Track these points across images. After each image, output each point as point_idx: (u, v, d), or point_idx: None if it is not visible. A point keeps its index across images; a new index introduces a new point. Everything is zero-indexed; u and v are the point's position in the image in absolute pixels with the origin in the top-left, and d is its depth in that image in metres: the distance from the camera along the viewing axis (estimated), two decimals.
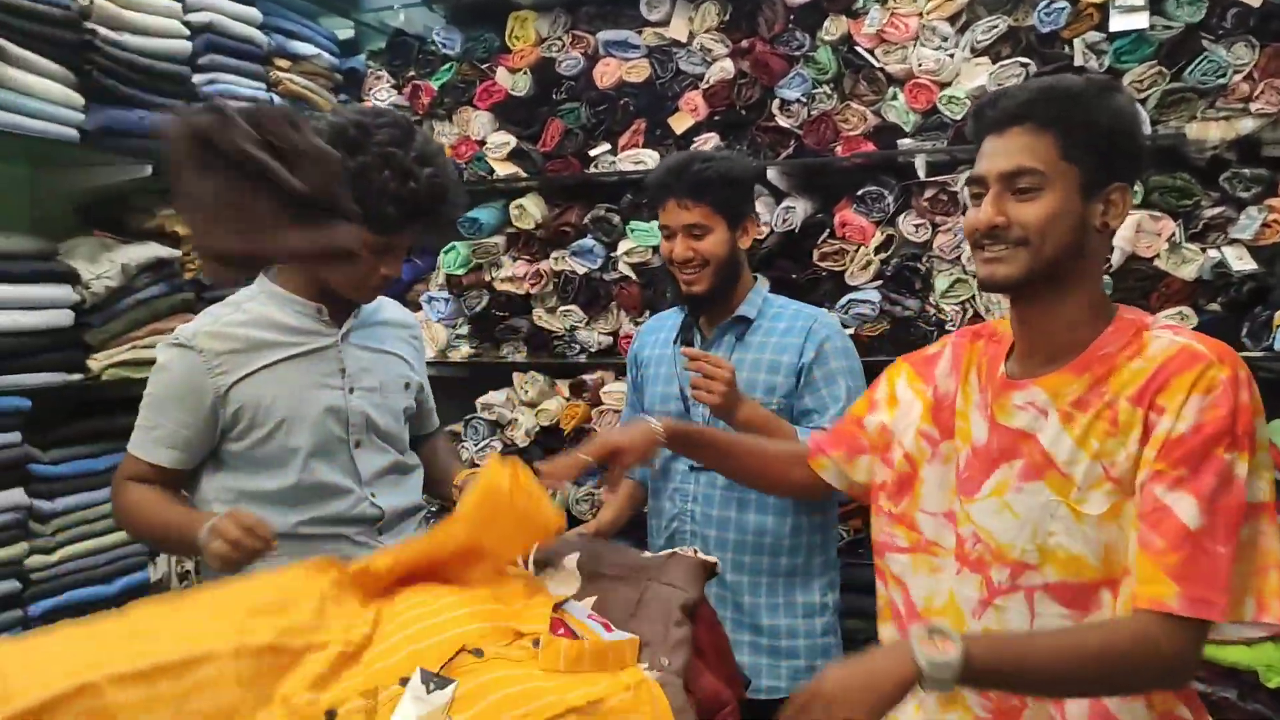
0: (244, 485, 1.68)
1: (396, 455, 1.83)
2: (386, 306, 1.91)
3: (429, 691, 1.13)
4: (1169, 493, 1.13)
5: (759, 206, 2.77)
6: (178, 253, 2.51)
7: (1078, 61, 2.49)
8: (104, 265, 2.31)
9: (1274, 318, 2.32)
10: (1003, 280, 1.23)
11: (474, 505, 1.31)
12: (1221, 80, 2.38)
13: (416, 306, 3.19)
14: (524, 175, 3.09)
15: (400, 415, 1.84)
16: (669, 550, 1.47)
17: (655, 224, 2.86)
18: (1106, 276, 2.48)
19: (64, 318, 2.24)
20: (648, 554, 1.47)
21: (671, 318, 2.19)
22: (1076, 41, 2.50)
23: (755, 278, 2.11)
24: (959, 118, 2.62)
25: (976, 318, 2.63)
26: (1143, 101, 2.45)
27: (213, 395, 1.64)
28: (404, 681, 1.17)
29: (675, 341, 2.14)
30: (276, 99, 2.83)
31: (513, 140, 3.07)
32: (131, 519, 1.68)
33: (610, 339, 3.03)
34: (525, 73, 3.07)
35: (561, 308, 3.05)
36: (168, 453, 1.65)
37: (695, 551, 1.41)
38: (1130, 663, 1.11)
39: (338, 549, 1.63)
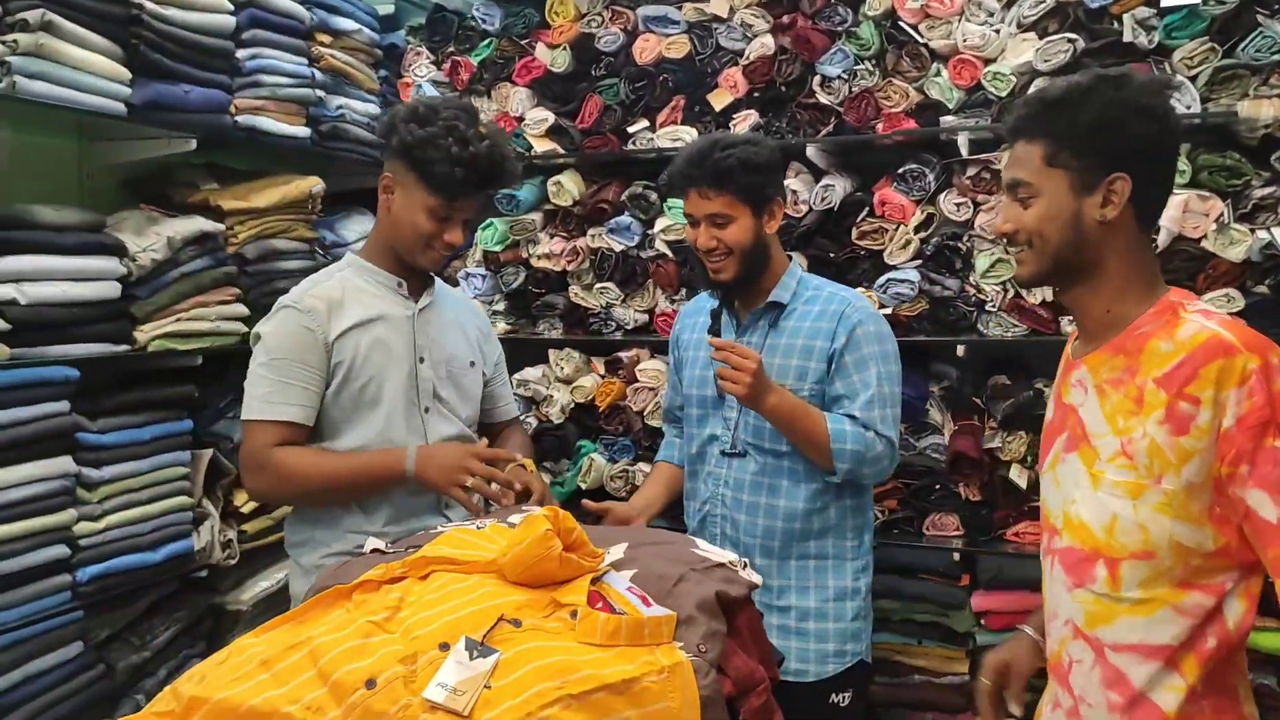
0: (326, 445, 1.83)
1: (463, 427, 1.97)
2: (455, 296, 2.10)
3: (472, 659, 1.14)
4: (1242, 491, 1.19)
5: (798, 184, 2.76)
6: (221, 226, 2.54)
7: (1126, 37, 2.43)
8: (150, 238, 2.35)
9: None
10: (1022, 278, 1.38)
11: (514, 561, 1.27)
12: (1275, 56, 2.32)
13: (454, 283, 3.21)
14: (562, 152, 3.09)
15: (466, 393, 1.99)
16: (717, 561, 1.42)
17: None
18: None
19: (111, 290, 2.28)
20: (698, 549, 1.45)
21: (709, 301, 2.18)
22: (1126, 17, 2.44)
23: (790, 257, 2.09)
24: (1004, 94, 2.57)
25: (1017, 298, 2.60)
26: (1193, 78, 2.39)
27: (323, 346, 1.80)
28: (444, 647, 1.18)
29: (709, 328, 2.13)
30: (318, 74, 2.84)
31: (551, 117, 3.07)
32: (307, 478, 1.77)
33: (646, 316, 3.03)
34: (564, 48, 3.07)
35: (598, 285, 3.05)
36: (297, 409, 1.78)
37: (744, 565, 1.40)
38: None
39: (403, 524, 1.83)
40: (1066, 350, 1.45)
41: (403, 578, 1.31)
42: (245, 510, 2.57)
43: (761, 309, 2.04)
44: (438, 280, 2.03)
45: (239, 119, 2.61)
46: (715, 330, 2.00)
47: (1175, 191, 2.42)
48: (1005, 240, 1.37)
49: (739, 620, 1.39)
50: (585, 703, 1.13)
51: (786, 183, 2.76)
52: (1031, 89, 2.55)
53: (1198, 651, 1.24)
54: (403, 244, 1.86)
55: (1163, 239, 2.41)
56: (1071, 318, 2.56)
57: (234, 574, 2.59)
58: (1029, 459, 2.64)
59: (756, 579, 1.41)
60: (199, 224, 2.47)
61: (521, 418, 3.11)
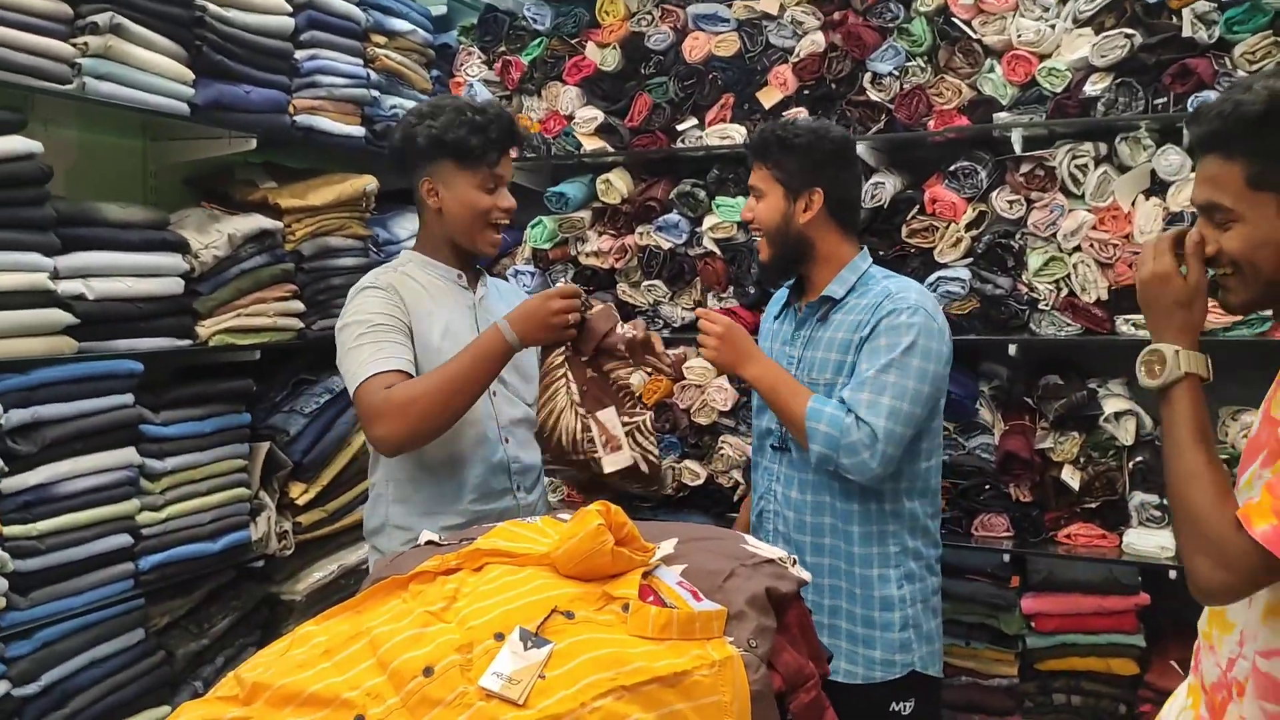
0: None
1: (527, 409, 2.00)
2: (510, 287, 2.17)
3: (526, 649, 1.16)
4: None
5: None
6: (279, 224, 2.58)
7: (1186, 32, 2.39)
8: (212, 235, 2.40)
9: None
10: (1233, 306, 1.25)
11: (567, 555, 1.28)
12: None
13: (504, 280, 3.24)
14: (611, 150, 3.10)
15: (527, 374, 2.01)
16: (766, 558, 1.40)
17: (741, 200, 2.86)
18: None
19: (175, 285, 2.34)
20: (747, 545, 1.45)
21: (785, 292, 2.15)
22: (1185, 11, 2.40)
23: (862, 249, 2.02)
24: (1059, 90, 2.54)
25: (1071, 296, 2.57)
26: (1253, 73, 2.34)
27: (406, 322, 1.86)
28: (499, 636, 1.20)
29: (776, 318, 2.12)
30: (373, 74, 2.89)
31: (600, 115, 3.09)
32: (426, 393, 1.74)
33: (693, 315, 3.04)
34: (614, 47, 3.08)
35: (646, 282, 3.06)
36: (401, 360, 1.80)
37: (794, 562, 1.39)
38: None
39: (484, 502, 1.90)
40: None
41: (458, 569, 1.33)
42: (300, 502, 2.61)
43: (815, 303, 1.98)
44: (486, 274, 2.08)
45: (297, 119, 2.65)
46: (703, 302, 1.96)
47: None
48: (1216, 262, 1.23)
49: (789, 616, 1.39)
50: (637, 694, 1.14)
51: None
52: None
53: None
54: (463, 232, 1.93)
55: None
56: (1129, 318, 2.52)
57: (289, 564, 2.64)
58: (1081, 460, 2.61)
59: (806, 575, 1.40)
60: (258, 222, 2.52)
61: None
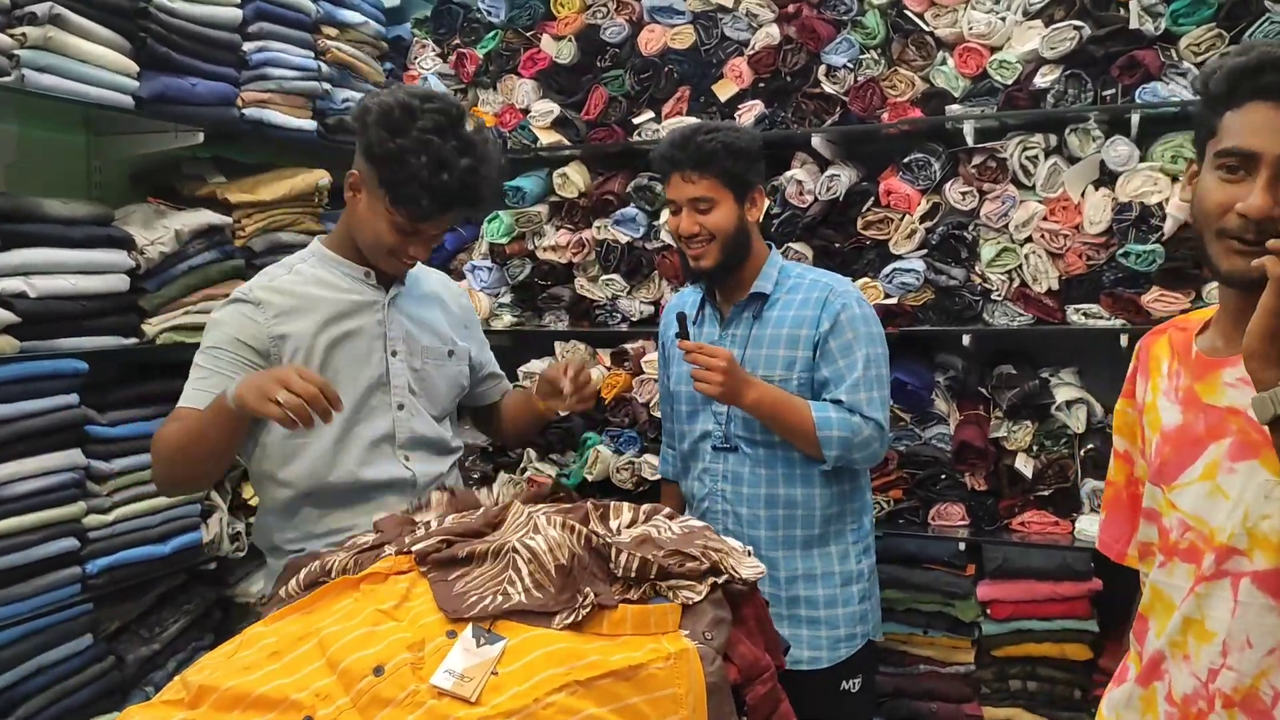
0: (286, 443, 1.70)
1: (438, 428, 1.84)
2: (433, 277, 1.95)
3: (479, 645, 1.15)
4: None
5: (803, 175, 2.76)
6: (228, 220, 2.54)
7: (1133, 24, 2.43)
8: (158, 231, 2.35)
9: None
10: (1253, 281, 1.04)
11: None
12: None
13: (460, 275, 3.22)
14: (567, 144, 3.08)
15: (446, 384, 1.86)
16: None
17: None
18: (1158, 245, 2.43)
19: (120, 283, 2.29)
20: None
21: (692, 295, 2.17)
22: (1132, 3, 2.44)
23: (770, 246, 2.08)
24: (1009, 82, 2.57)
25: (1023, 287, 2.60)
26: (1199, 66, 2.38)
27: (267, 341, 1.68)
28: (451, 634, 1.19)
29: (693, 321, 2.11)
30: (324, 67, 2.84)
31: (556, 108, 3.07)
32: (166, 444, 1.63)
33: (651, 308, 3.03)
34: (570, 40, 3.07)
35: (603, 276, 3.05)
36: (208, 396, 1.62)
37: (749, 553, 1.40)
38: None
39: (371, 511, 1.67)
40: (1162, 344, 1.30)
41: (410, 570, 1.31)
42: (253, 503, 2.57)
43: (745, 301, 2.03)
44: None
45: (246, 112, 2.61)
46: (684, 333, 1.95)
47: (1177, 179, 2.43)
48: (1243, 222, 1.09)
49: (745, 609, 1.39)
50: (592, 689, 1.13)
51: (792, 173, 2.77)
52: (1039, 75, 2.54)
53: None
54: (365, 248, 1.74)
55: (1169, 227, 2.41)
56: (1079, 307, 2.55)
57: (242, 566, 2.60)
58: (1034, 448, 2.64)
59: (761, 568, 1.41)
60: (206, 217, 2.48)
61: None
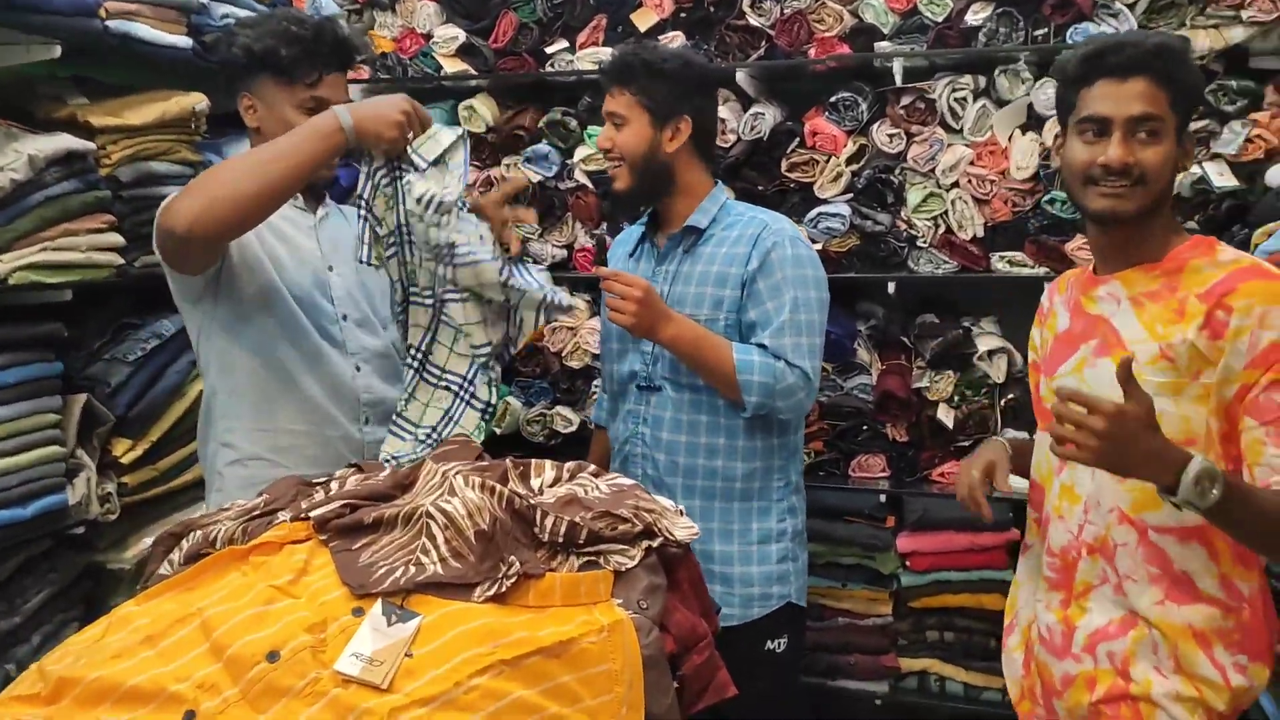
0: (241, 327, 1.72)
1: (386, 341, 1.87)
2: (352, 215, 1.92)
3: (390, 624, 1.02)
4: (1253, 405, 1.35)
5: (725, 112, 2.63)
6: (91, 146, 2.27)
7: None
8: (9, 156, 2.08)
9: (1251, 237, 2.26)
10: (1123, 214, 1.41)
11: None
12: None
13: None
14: (474, 73, 2.90)
15: (380, 293, 1.85)
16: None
17: None
18: None
19: None
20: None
21: (638, 229, 2.07)
22: None
23: (717, 182, 1.99)
24: (940, 19, 2.49)
25: (948, 234, 2.54)
26: (1131, 6, 2.35)
27: None
28: (357, 612, 1.05)
29: (630, 256, 2.04)
30: None
31: (462, 35, 2.88)
32: (237, 161, 1.61)
33: (565, 252, 2.89)
34: None
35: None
36: None
37: (681, 512, 1.30)
38: None
39: (325, 444, 1.76)
40: (1074, 273, 1.62)
41: (308, 539, 1.16)
42: (125, 461, 2.35)
43: (678, 235, 1.95)
44: (329, 198, 1.94)
45: (110, 24, 2.32)
46: (603, 261, 1.89)
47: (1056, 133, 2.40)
48: (1101, 171, 1.40)
49: (679, 573, 1.30)
50: (519, 669, 1.03)
51: None
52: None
53: (1217, 532, 1.39)
54: None
55: None
56: (1004, 255, 2.51)
57: (114, 530, 2.39)
58: (955, 398, 2.61)
59: (695, 528, 1.31)
60: (65, 142, 2.20)
61: None
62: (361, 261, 1.66)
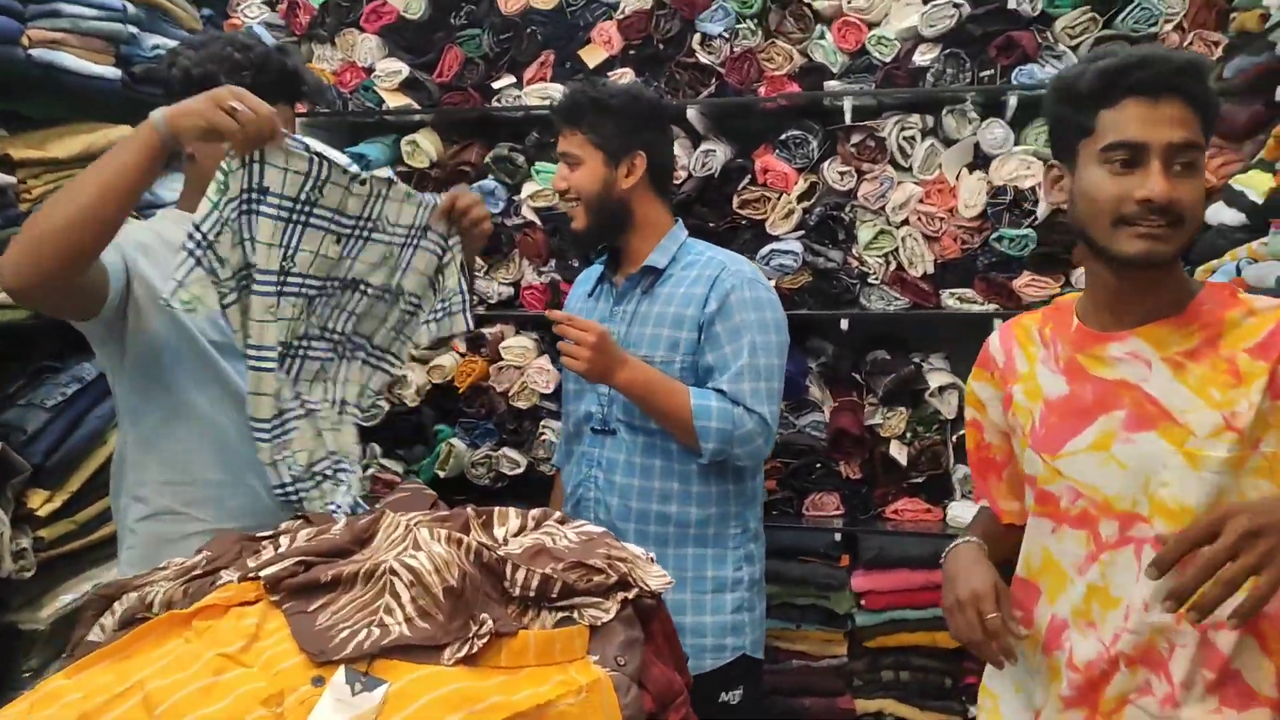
0: (151, 370, 1.59)
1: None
2: None
3: (354, 693, 0.93)
4: None
5: (676, 149, 2.59)
6: (11, 180, 2.16)
7: (1010, 4, 2.43)
8: None
9: (1194, 274, 2.31)
10: (1160, 258, 1.20)
11: None
12: (1153, 29, 2.35)
13: None
14: (418, 108, 2.84)
15: None
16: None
17: None
18: (1031, 230, 2.44)
19: None
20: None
21: (597, 269, 2.02)
22: None
23: (677, 220, 1.95)
24: (888, 60, 2.51)
25: (899, 270, 2.55)
26: (1074, 48, 2.40)
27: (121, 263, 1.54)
28: (317, 681, 0.96)
29: (590, 295, 1.99)
30: (130, 7, 2.47)
31: (405, 69, 2.81)
32: (36, 218, 1.38)
33: (511, 290, 2.83)
34: None
35: None
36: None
37: (652, 559, 1.24)
38: None
39: (248, 494, 1.63)
40: (1039, 323, 1.37)
41: (258, 600, 1.06)
42: (42, 514, 2.20)
43: (636, 275, 1.90)
44: None
45: (33, 53, 2.22)
46: (555, 304, 1.83)
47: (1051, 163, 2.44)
48: (1143, 208, 1.18)
49: (653, 625, 1.23)
50: None
51: None
52: (917, 53, 2.50)
53: (1270, 618, 1.21)
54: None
55: (1042, 211, 2.41)
56: (954, 291, 2.52)
57: (30, 587, 2.23)
58: (907, 434, 2.60)
59: (668, 577, 1.25)
60: None
61: (371, 400, 2.85)
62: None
